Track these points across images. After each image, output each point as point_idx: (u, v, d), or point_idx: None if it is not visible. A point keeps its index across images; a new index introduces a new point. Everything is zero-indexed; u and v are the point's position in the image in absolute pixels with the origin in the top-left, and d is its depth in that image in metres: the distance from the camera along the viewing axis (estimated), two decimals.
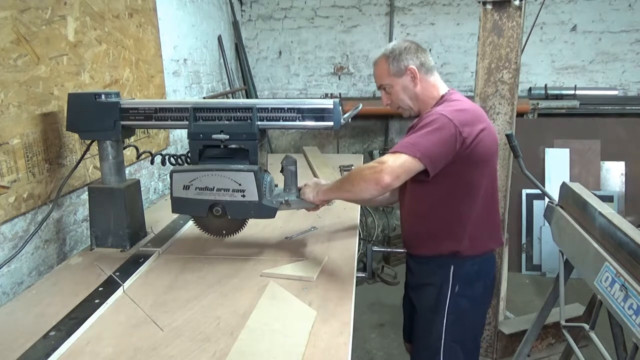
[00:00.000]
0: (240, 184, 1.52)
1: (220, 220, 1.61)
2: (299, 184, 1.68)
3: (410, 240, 1.74)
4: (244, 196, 1.54)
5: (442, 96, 1.62)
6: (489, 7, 2.31)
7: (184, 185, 1.54)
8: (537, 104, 4.16)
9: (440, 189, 1.55)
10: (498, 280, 2.61)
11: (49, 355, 1.10)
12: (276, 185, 1.71)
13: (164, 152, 1.95)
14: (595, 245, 1.53)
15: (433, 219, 1.62)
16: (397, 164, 1.42)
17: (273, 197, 1.63)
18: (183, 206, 1.59)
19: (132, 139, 1.99)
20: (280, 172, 1.67)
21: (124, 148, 1.77)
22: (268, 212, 1.58)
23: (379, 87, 1.69)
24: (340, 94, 4.60)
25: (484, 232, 1.65)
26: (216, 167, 1.53)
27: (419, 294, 1.73)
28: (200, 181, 1.54)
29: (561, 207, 1.87)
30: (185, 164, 1.71)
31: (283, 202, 1.61)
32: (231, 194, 1.54)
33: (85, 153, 1.76)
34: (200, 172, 1.53)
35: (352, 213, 2.09)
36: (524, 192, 3.94)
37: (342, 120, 1.56)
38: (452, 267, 1.62)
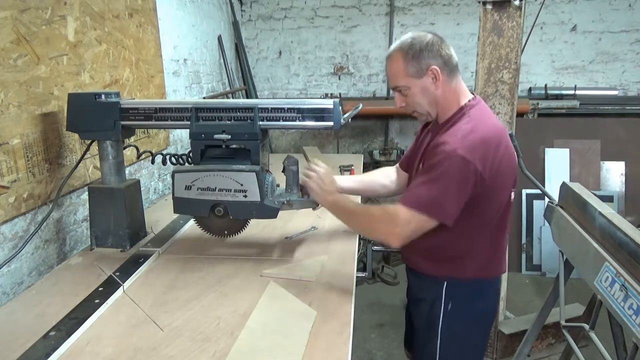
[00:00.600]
0: (242, 184, 1.52)
1: (222, 220, 1.61)
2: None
3: (406, 252, 1.58)
4: (245, 196, 1.54)
5: (462, 108, 1.41)
6: (489, 7, 2.31)
7: (186, 186, 1.54)
8: (537, 104, 4.16)
9: None
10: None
11: (49, 355, 1.10)
12: (278, 185, 1.71)
13: (164, 152, 1.95)
14: (595, 245, 1.53)
15: (434, 241, 1.42)
16: (412, 228, 1.32)
17: (275, 197, 1.63)
18: (185, 206, 1.59)
19: (132, 139, 1.99)
20: (282, 172, 1.67)
21: (124, 148, 1.77)
22: (270, 213, 1.58)
23: (393, 88, 1.46)
24: (340, 94, 4.60)
25: (488, 260, 1.49)
26: (218, 168, 1.53)
27: (415, 308, 1.63)
28: (202, 181, 1.53)
29: (561, 207, 1.87)
30: (187, 164, 1.71)
31: (285, 202, 1.61)
32: (233, 194, 1.54)
33: (85, 153, 1.76)
34: (202, 172, 1.53)
35: None
36: (524, 192, 3.94)
37: (342, 120, 1.56)
38: (446, 283, 1.48)
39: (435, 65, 1.37)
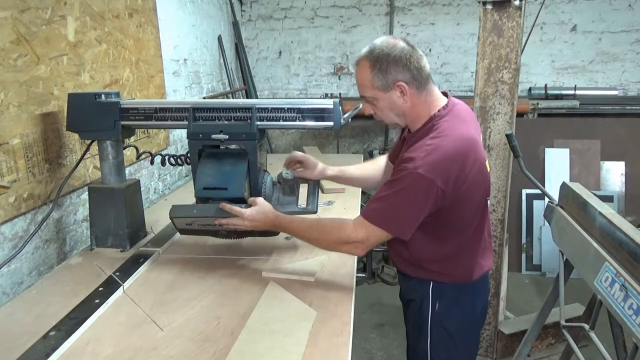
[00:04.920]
0: None
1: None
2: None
3: (393, 257, 1.59)
4: (246, 227, 1.54)
5: (431, 119, 1.38)
6: (489, 7, 2.31)
7: (187, 223, 1.55)
8: (537, 104, 4.16)
9: (425, 227, 1.37)
10: (496, 286, 2.61)
11: (49, 355, 1.10)
12: (278, 182, 1.70)
13: (163, 152, 1.95)
14: (595, 245, 1.53)
15: (413, 248, 1.45)
16: (371, 242, 1.36)
17: (273, 204, 1.64)
18: (188, 232, 1.63)
19: (132, 139, 1.99)
20: (278, 182, 1.68)
21: (124, 148, 1.77)
22: (271, 234, 1.63)
23: (361, 97, 1.44)
24: (340, 94, 4.60)
25: (469, 262, 1.49)
26: (214, 214, 1.49)
27: (406, 309, 1.63)
28: (201, 220, 1.54)
29: (561, 207, 1.87)
30: (185, 164, 1.71)
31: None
32: (234, 227, 1.54)
33: (85, 153, 1.76)
34: (198, 218, 1.53)
35: (352, 213, 2.09)
36: (524, 192, 3.94)
37: (342, 120, 1.56)
38: (431, 284, 1.48)
39: (402, 81, 1.33)
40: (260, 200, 1.51)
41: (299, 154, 1.73)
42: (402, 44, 1.35)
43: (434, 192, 1.28)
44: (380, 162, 1.83)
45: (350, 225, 1.38)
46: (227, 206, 1.48)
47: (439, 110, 1.39)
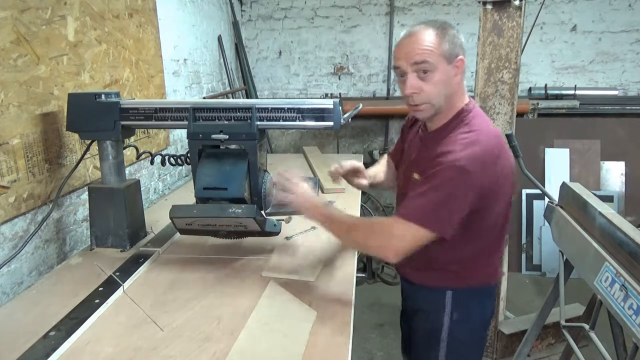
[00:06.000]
0: (240, 222, 1.52)
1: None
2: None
3: (402, 264, 1.45)
4: (246, 227, 1.55)
5: (460, 113, 1.34)
6: (489, 7, 2.31)
7: (187, 223, 1.55)
8: (537, 104, 4.16)
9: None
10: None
11: (49, 355, 1.10)
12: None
13: (163, 152, 1.95)
14: (595, 245, 1.53)
15: (435, 253, 1.35)
16: (408, 242, 1.25)
17: (273, 205, 1.65)
18: (188, 232, 1.63)
19: (132, 139, 1.99)
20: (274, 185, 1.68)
21: (124, 148, 1.77)
22: (271, 234, 1.64)
23: (413, 64, 1.25)
24: (340, 94, 4.60)
25: (489, 266, 1.46)
26: (214, 214, 1.50)
27: (415, 320, 1.56)
28: (201, 220, 1.54)
29: (561, 207, 1.87)
30: (185, 164, 1.71)
31: (284, 220, 1.68)
32: (234, 227, 1.56)
33: (85, 153, 1.75)
34: (199, 218, 1.53)
35: (352, 213, 2.09)
36: (524, 192, 3.94)
37: (342, 120, 1.56)
38: (449, 294, 1.42)
39: (462, 56, 1.27)
40: (297, 189, 1.44)
41: (355, 163, 1.63)
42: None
43: (475, 186, 1.22)
44: (390, 164, 1.78)
45: (396, 231, 1.27)
46: (284, 176, 1.43)
47: (466, 105, 1.35)
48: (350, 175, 1.69)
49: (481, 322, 1.51)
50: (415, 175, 1.37)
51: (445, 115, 1.35)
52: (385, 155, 1.84)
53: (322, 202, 1.44)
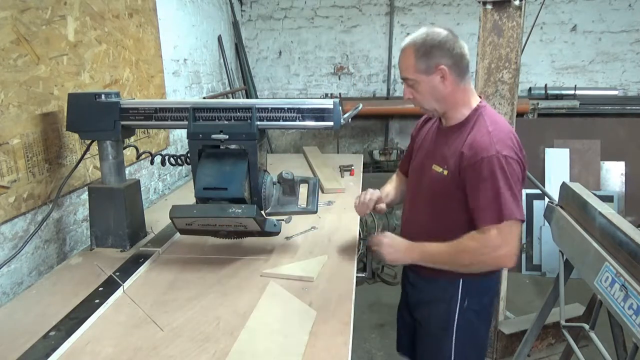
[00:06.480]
0: (240, 222, 1.52)
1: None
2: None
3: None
4: (246, 227, 1.55)
5: (477, 109, 1.45)
6: (489, 7, 2.31)
7: (187, 223, 1.55)
8: (537, 104, 4.16)
9: (469, 214, 1.40)
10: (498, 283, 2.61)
11: (49, 355, 1.10)
12: (278, 182, 1.70)
13: (163, 152, 1.95)
14: (595, 245, 1.53)
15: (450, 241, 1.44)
16: (513, 241, 1.35)
17: (273, 206, 1.66)
18: (188, 232, 1.63)
19: (132, 139, 1.99)
20: (278, 182, 1.68)
21: (124, 148, 1.77)
22: (271, 234, 1.64)
23: (402, 79, 1.48)
24: (340, 94, 4.61)
25: None
26: (214, 214, 1.50)
27: (426, 311, 1.62)
28: (201, 220, 1.53)
29: (561, 207, 1.87)
30: (185, 164, 1.71)
31: (284, 220, 1.67)
32: (234, 227, 1.56)
33: (85, 153, 1.75)
34: (198, 218, 1.52)
35: (352, 213, 2.09)
36: (524, 192, 3.94)
37: (342, 120, 1.56)
38: (461, 282, 1.50)
39: (444, 65, 1.38)
40: (383, 239, 1.54)
41: (375, 194, 1.69)
42: (445, 32, 1.40)
43: (520, 165, 1.38)
44: (400, 179, 1.84)
45: (498, 237, 1.33)
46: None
47: (480, 103, 1.47)
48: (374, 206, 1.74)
49: (487, 307, 1.61)
50: (436, 168, 1.47)
51: (458, 113, 1.47)
52: (394, 175, 1.89)
53: (408, 244, 1.51)
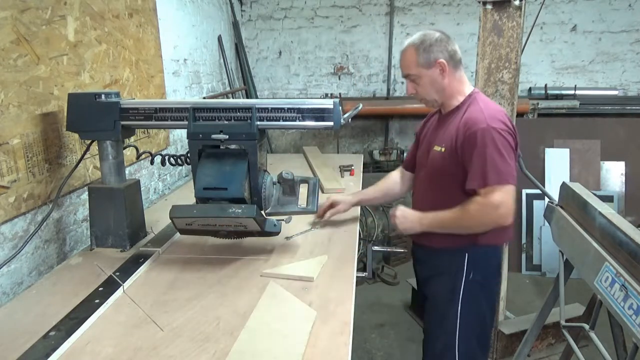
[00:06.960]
0: (240, 222, 1.52)
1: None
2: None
3: (425, 233, 1.70)
4: (246, 227, 1.55)
5: (470, 95, 1.65)
6: (489, 7, 2.31)
7: (187, 223, 1.55)
8: (537, 104, 4.16)
9: (467, 194, 1.57)
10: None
11: (49, 355, 1.10)
12: (278, 182, 1.70)
13: (163, 152, 1.95)
14: (595, 245, 1.53)
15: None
16: (509, 201, 1.49)
17: (272, 206, 1.66)
18: (188, 232, 1.63)
19: (132, 139, 1.99)
20: (278, 182, 1.68)
21: (124, 148, 1.77)
22: (271, 234, 1.64)
23: (405, 76, 1.68)
24: (340, 94, 4.61)
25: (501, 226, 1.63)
26: (214, 214, 1.50)
27: (432, 284, 1.76)
28: (201, 220, 1.53)
29: (561, 207, 1.87)
30: (185, 164, 1.71)
31: (284, 220, 1.67)
32: (234, 227, 1.56)
33: (85, 153, 1.75)
34: (198, 218, 1.52)
35: (352, 213, 2.09)
36: (524, 192, 3.93)
37: (342, 120, 1.57)
38: (467, 254, 1.64)
39: (442, 59, 1.59)
40: (397, 213, 1.70)
41: (328, 201, 1.94)
42: (438, 33, 1.63)
43: (511, 135, 1.55)
44: (393, 177, 2.03)
45: (496, 199, 1.49)
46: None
47: (473, 91, 1.67)
48: (327, 210, 1.94)
49: (493, 277, 1.75)
50: (436, 147, 1.66)
51: (455, 100, 1.66)
52: (392, 173, 2.07)
53: (418, 214, 1.69)
